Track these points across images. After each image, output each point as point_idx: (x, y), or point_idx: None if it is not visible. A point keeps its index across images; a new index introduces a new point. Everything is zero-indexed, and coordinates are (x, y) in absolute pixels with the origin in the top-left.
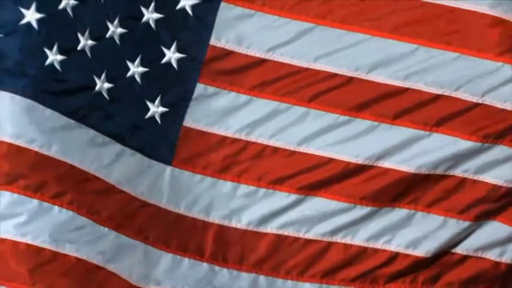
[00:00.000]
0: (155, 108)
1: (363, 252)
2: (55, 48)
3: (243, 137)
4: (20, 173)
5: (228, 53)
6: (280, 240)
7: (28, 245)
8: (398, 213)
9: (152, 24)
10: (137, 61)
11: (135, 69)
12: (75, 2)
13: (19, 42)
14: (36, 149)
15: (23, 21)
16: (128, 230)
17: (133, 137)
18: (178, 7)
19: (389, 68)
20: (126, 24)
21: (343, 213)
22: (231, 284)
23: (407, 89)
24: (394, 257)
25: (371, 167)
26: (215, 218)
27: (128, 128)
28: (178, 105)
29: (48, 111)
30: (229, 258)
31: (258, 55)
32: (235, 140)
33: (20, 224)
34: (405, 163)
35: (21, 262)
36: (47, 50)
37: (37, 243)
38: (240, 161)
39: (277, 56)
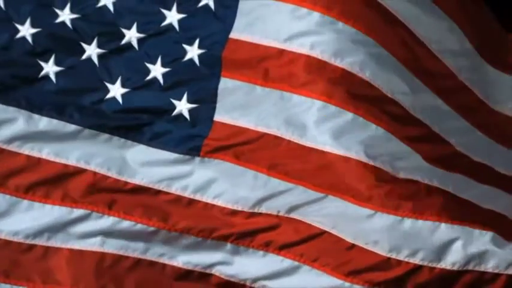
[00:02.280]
0: (182, 106)
1: (386, 261)
2: (51, 60)
3: (271, 132)
4: None
5: (247, 45)
6: (309, 229)
7: None
8: (422, 224)
9: (176, 25)
10: (158, 62)
11: (157, 70)
12: (75, 16)
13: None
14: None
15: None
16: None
17: (159, 136)
18: (200, 4)
19: None
20: (144, 29)
21: (365, 220)
22: (256, 263)
23: None
24: (419, 268)
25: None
26: (244, 207)
27: (152, 129)
28: (206, 100)
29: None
30: (255, 242)
31: (277, 46)
32: (264, 134)
33: None
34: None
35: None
36: (41, 62)
37: None
38: (270, 153)
39: (295, 47)
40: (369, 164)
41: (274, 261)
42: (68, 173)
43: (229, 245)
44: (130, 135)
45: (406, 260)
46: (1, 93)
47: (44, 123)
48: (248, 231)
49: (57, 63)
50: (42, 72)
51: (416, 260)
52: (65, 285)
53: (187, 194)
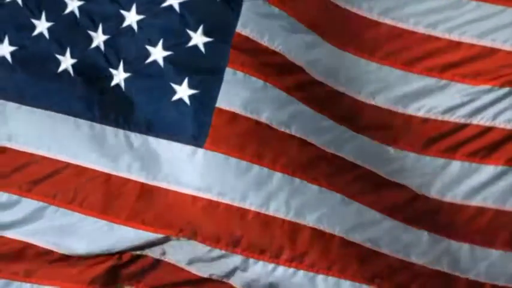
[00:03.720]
0: (183, 91)
1: (392, 262)
2: (67, 53)
3: (274, 126)
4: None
5: (252, 42)
6: (316, 236)
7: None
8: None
9: (176, 7)
10: (159, 45)
11: (157, 53)
12: (80, 3)
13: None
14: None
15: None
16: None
17: (159, 121)
18: None
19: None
20: (144, 10)
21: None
22: (266, 277)
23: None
24: (421, 269)
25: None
26: (252, 204)
27: (152, 113)
28: (209, 87)
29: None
30: (267, 251)
31: (277, 50)
32: (267, 126)
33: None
34: None
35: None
36: (59, 56)
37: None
38: (274, 147)
39: (289, 54)
40: None
41: (287, 274)
42: (86, 177)
43: (239, 257)
44: (137, 127)
45: (413, 261)
46: (23, 94)
47: (61, 120)
48: (256, 239)
49: (72, 55)
50: (61, 68)
51: (420, 262)
52: (83, 284)
53: (190, 191)
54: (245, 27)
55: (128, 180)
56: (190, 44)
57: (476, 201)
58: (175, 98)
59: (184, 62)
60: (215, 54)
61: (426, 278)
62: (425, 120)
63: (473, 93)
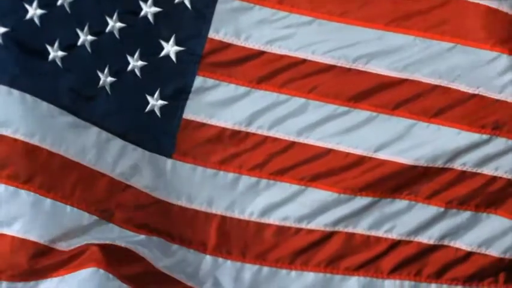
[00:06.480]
0: (154, 102)
1: (365, 241)
2: (56, 44)
3: (243, 129)
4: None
5: (226, 46)
6: (282, 231)
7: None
8: (399, 204)
9: (151, 19)
10: (136, 55)
11: (135, 63)
12: None
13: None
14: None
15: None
16: (129, 223)
17: (134, 131)
18: (177, 1)
19: (387, 59)
20: (125, 19)
21: (343, 204)
22: (235, 275)
23: (405, 80)
24: (397, 244)
25: (370, 158)
26: (218, 209)
27: (128, 122)
28: (178, 98)
29: (45, 105)
30: (233, 250)
31: (256, 47)
32: (234, 132)
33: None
34: (403, 154)
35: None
36: (48, 47)
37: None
38: (240, 152)
39: (276, 48)
40: None
41: (252, 271)
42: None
43: (208, 257)
44: (115, 130)
45: (384, 236)
46: (8, 77)
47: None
48: (223, 239)
49: (61, 48)
50: (50, 57)
51: (393, 236)
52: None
53: (163, 197)
54: (218, 31)
55: None
56: (163, 54)
57: None
58: (148, 109)
59: (157, 73)
60: (186, 64)
61: None
62: None
63: None
